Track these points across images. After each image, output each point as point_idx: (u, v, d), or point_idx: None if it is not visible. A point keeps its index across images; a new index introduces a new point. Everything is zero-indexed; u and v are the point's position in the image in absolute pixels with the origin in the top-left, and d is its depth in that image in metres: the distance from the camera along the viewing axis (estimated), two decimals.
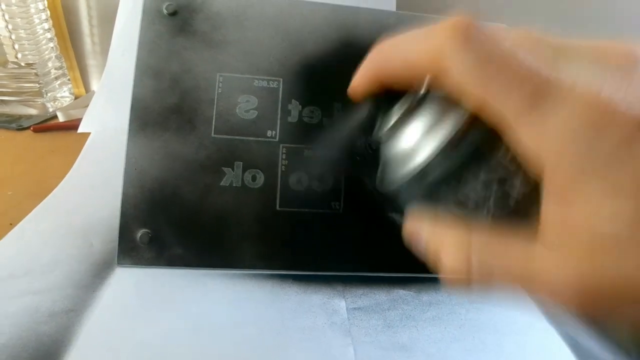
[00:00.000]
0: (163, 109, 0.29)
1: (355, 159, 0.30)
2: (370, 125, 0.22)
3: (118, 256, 0.28)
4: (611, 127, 0.11)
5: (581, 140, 0.11)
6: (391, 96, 0.16)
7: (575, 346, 0.26)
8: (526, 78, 0.12)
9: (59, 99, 0.54)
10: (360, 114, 0.20)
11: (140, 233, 0.28)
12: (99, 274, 0.28)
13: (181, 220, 0.29)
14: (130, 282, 0.27)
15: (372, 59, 0.16)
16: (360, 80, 0.17)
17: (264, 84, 0.30)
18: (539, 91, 0.11)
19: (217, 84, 0.30)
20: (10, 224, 0.32)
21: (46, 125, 0.50)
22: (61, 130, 0.49)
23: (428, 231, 0.16)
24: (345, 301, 0.27)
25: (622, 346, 0.13)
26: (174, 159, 0.29)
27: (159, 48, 0.30)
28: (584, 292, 0.11)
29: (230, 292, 0.27)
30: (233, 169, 0.29)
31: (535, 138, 0.12)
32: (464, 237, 0.14)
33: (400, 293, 0.28)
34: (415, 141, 0.15)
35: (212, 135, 0.29)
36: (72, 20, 0.55)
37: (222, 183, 0.29)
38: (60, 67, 0.54)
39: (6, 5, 0.46)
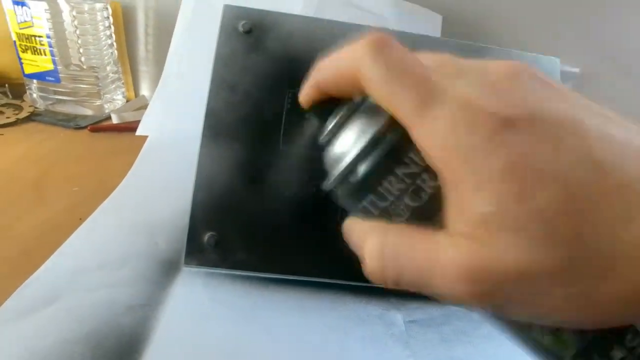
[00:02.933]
0: (235, 120, 0.31)
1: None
2: None
3: (185, 257, 0.30)
4: (481, 123, 0.12)
5: (459, 135, 0.13)
6: (331, 105, 0.18)
7: None
8: (420, 82, 0.14)
9: (113, 101, 0.57)
10: None
11: (207, 236, 0.30)
12: (166, 272, 0.30)
13: (247, 226, 0.30)
14: (198, 282, 0.29)
15: (313, 72, 0.19)
16: (305, 90, 0.19)
17: None
18: (428, 95, 0.13)
19: (286, 99, 0.32)
20: (80, 219, 0.34)
21: (102, 126, 0.52)
22: (117, 131, 0.52)
23: (356, 233, 0.17)
24: (401, 314, 0.28)
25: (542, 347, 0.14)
26: (242, 167, 0.31)
27: (234, 63, 0.32)
28: (473, 276, 0.12)
29: (292, 300, 0.28)
30: (298, 180, 0.31)
31: (426, 135, 0.13)
32: (380, 237, 0.15)
33: (453, 309, 0.29)
34: (345, 144, 0.16)
35: (280, 147, 0.31)
36: (130, 28, 0.58)
37: (287, 193, 0.31)
38: (117, 72, 0.57)
39: (77, 13, 0.48)
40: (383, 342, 0.26)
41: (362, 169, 0.16)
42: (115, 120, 0.53)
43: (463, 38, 0.48)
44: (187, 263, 0.30)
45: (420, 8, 0.57)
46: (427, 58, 0.15)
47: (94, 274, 0.29)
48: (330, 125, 0.18)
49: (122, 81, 0.58)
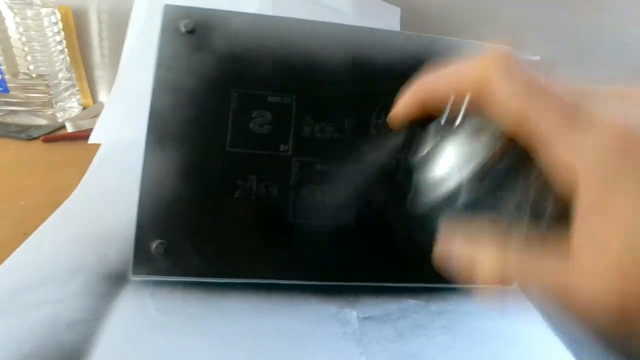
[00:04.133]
0: (180, 123, 0.30)
1: (367, 172, 0.31)
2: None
3: (133, 266, 0.29)
4: (636, 151, 0.12)
5: (610, 160, 0.12)
6: (424, 123, 0.17)
7: (579, 355, 0.27)
8: (563, 101, 0.14)
9: (68, 109, 0.55)
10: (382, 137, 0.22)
11: (155, 243, 0.29)
12: (114, 284, 0.28)
13: (196, 231, 0.29)
14: (145, 292, 0.28)
15: (417, 87, 0.18)
16: (403, 106, 0.19)
17: (278, 99, 0.31)
18: (573, 114, 0.13)
19: (232, 99, 0.31)
20: (25, 234, 0.32)
21: (56, 136, 0.50)
22: (71, 140, 0.50)
23: (461, 249, 0.17)
24: (356, 311, 0.28)
25: None
26: (189, 171, 0.30)
27: (177, 64, 0.31)
28: (621, 309, 0.12)
29: (245, 303, 0.28)
30: (247, 182, 0.30)
31: (569, 153, 0.13)
32: (499, 254, 0.15)
33: (410, 303, 0.29)
34: (452, 164, 0.16)
35: (227, 149, 0.30)
36: (82, 32, 0.56)
37: (236, 195, 0.30)
38: (70, 78, 0.55)
39: (21, 19, 0.47)
40: (335, 342, 0.25)
41: (474, 191, 0.15)
42: (70, 129, 0.51)
43: (422, 30, 0.48)
44: (135, 273, 0.29)
45: (379, 1, 0.57)
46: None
47: (37, 291, 0.27)
48: (429, 145, 0.17)
49: (77, 88, 0.56)
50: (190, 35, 0.31)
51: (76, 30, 0.55)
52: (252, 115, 0.31)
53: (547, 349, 0.27)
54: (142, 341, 0.24)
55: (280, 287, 0.29)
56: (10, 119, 0.52)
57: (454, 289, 0.31)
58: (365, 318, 0.27)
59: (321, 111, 0.31)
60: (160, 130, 0.30)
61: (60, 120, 0.53)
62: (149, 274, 0.29)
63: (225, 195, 0.30)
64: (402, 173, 0.32)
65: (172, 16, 0.32)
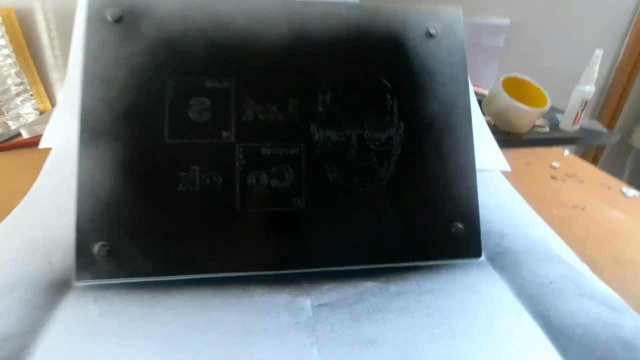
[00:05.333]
0: (113, 118, 0.29)
1: (315, 153, 0.30)
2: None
3: (76, 271, 0.27)
4: None
5: None
6: None
7: (547, 326, 0.26)
8: None
9: (23, 115, 0.53)
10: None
11: (97, 246, 0.27)
12: (56, 292, 0.27)
13: (139, 229, 0.28)
14: (89, 298, 0.26)
15: None
16: None
17: (216, 84, 0.30)
18: None
19: (167, 88, 0.29)
20: None
21: (9, 144, 0.48)
22: (26, 147, 0.48)
23: None
24: (311, 298, 0.27)
25: None
26: (128, 168, 0.28)
27: (105, 56, 0.29)
28: None
29: (192, 300, 0.26)
30: (189, 173, 0.28)
31: None
32: None
33: (368, 285, 0.28)
34: None
35: (166, 140, 0.29)
36: (30, 34, 0.54)
37: (179, 188, 0.28)
38: (21, 83, 0.53)
39: None
40: (287, 332, 0.24)
41: None
42: (25, 135, 0.49)
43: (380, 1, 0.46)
44: (79, 278, 0.27)
45: None
46: None
47: None
48: None
49: (31, 93, 0.54)
50: (117, 24, 0.30)
51: (23, 32, 0.53)
52: (190, 103, 0.29)
53: (512, 321, 0.26)
54: (82, 348, 0.23)
55: (231, 280, 0.28)
56: None
57: (415, 268, 0.30)
58: (320, 305, 0.26)
59: (263, 92, 0.30)
60: (93, 127, 0.28)
61: (13, 127, 0.51)
62: (92, 278, 0.27)
63: (167, 190, 0.28)
64: (352, 150, 0.30)
65: (97, 5, 0.30)
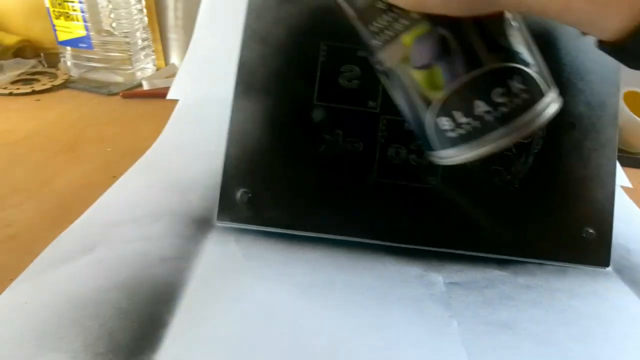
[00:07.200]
0: (268, 73, 0.30)
1: None
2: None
3: (218, 213, 0.29)
4: None
5: None
6: None
7: None
8: None
9: (144, 69, 0.57)
10: None
11: (240, 192, 0.29)
12: (199, 228, 0.29)
13: (280, 183, 0.29)
14: (230, 238, 0.28)
15: None
16: None
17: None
18: None
19: (320, 52, 0.30)
20: (114, 177, 0.34)
21: (134, 92, 0.52)
22: (148, 97, 0.52)
23: None
24: (442, 276, 0.27)
25: None
26: (276, 123, 0.30)
27: (266, 14, 0.30)
28: None
29: (326, 258, 0.27)
30: (333, 137, 0.29)
31: None
32: None
33: (496, 273, 0.28)
34: None
35: (314, 102, 0.30)
36: None
37: (321, 150, 0.29)
38: (147, 39, 0.56)
39: None
40: (423, 303, 0.24)
41: None
42: (146, 86, 0.53)
43: None
44: (219, 219, 0.29)
45: None
46: None
47: (127, 227, 0.29)
48: None
49: (152, 49, 0.58)
50: None
51: None
52: (341, 69, 0.30)
53: None
54: (232, 282, 0.25)
55: (361, 245, 0.29)
56: (91, 76, 0.55)
57: (540, 265, 0.29)
58: (451, 283, 0.26)
59: None
60: (248, 80, 0.30)
61: (137, 78, 0.55)
62: (232, 221, 0.29)
63: (310, 149, 0.29)
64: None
65: None
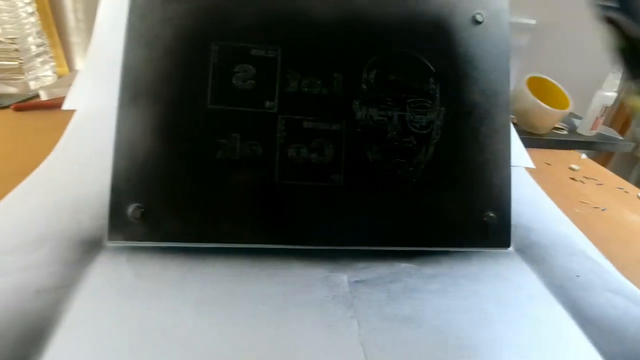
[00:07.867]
0: (155, 78, 0.28)
1: (356, 131, 0.29)
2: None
3: (109, 231, 0.27)
4: None
5: None
6: None
7: (577, 316, 0.26)
8: None
9: (41, 77, 0.52)
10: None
11: (131, 207, 0.27)
12: (88, 250, 0.27)
13: (175, 194, 0.27)
14: (122, 259, 0.26)
15: None
16: None
17: (262, 52, 0.29)
18: None
19: (212, 52, 0.29)
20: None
21: (28, 104, 0.47)
22: (44, 109, 0.47)
23: None
24: (347, 275, 0.26)
25: None
26: (167, 130, 0.28)
27: (151, 15, 0.28)
28: None
29: (227, 268, 0.26)
30: (229, 141, 0.28)
31: None
32: None
33: (403, 266, 0.28)
34: None
35: (208, 105, 0.28)
36: None
37: (218, 155, 0.28)
38: (42, 44, 0.51)
39: None
40: (325, 305, 0.24)
41: None
42: (44, 97, 0.48)
43: None
44: (110, 239, 0.27)
45: None
46: None
47: (6, 258, 0.25)
48: None
49: (50, 55, 0.53)
50: None
51: None
52: (235, 70, 0.28)
53: (545, 308, 0.26)
54: (117, 306, 0.23)
55: (265, 252, 0.28)
56: None
57: (447, 253, 0.30)
58: (356, 282, 0.26)
59: (309, 65, 0.29)
60: (134, 87, 0.28)
61: (32, 88, 0.50)
62: (125, 239, 0.27)
63: (206, 156, 0.28)
64: (393, 130, 0.30)
65: None
